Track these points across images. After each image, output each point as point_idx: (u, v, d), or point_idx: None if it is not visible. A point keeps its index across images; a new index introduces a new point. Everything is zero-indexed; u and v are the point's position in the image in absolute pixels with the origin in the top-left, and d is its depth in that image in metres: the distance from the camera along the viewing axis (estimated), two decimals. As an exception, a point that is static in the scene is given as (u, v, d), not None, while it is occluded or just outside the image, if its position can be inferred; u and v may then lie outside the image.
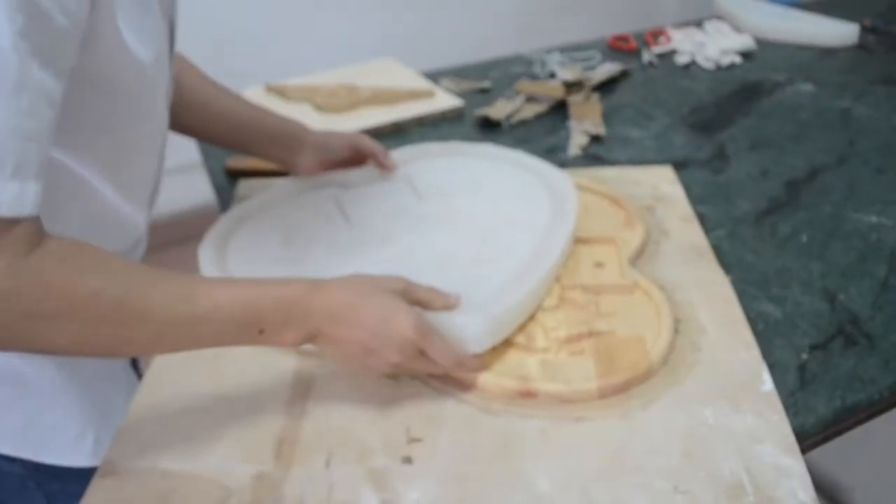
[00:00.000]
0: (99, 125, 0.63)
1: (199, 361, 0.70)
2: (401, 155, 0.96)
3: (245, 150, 0.91)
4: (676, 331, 0.71)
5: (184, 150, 1.15)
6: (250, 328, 0.58)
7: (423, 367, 0.64)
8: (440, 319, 0.65)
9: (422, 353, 0.62)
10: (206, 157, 1.14)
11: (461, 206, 0.86)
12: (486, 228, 0.82)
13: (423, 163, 0.95)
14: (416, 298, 0.65)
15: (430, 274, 0.72)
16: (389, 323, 0.60)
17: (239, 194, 0.99)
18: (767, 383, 0.66)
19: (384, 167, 0.92)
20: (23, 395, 0.69)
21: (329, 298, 0.61)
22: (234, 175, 1.06)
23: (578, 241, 0.83)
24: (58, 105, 0.51)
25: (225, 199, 1.01)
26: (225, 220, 0.86)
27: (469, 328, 0.65)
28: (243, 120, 0.88)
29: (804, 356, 0.70)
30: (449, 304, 0.66)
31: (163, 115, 0.72)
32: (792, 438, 0.60)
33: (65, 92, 0.52)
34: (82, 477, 0.62)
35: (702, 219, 0.89)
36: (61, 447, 0.72)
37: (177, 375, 0.70)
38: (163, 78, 0.69)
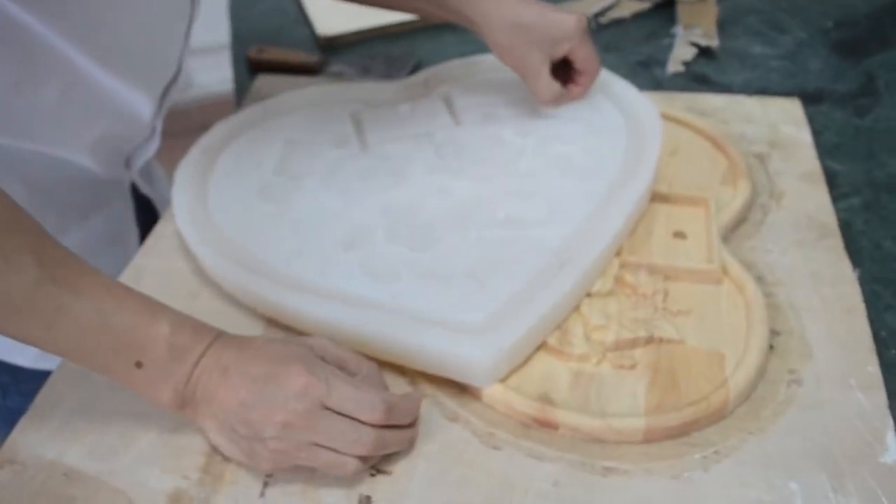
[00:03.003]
0: None
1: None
2: (445, 71, 0.76)
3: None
4: (771, 348, 0.52)
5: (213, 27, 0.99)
6: (126, 354, 0.43)
7: (327, 436, 0.43)
8: (434, 337, 0.48)
9: (326, 409, 0.44)
10: (235, 40, 0.97)
11: (505, 138, 0.66)
12: (529, 173, 0.62)
13: (469, 80, 0.75)
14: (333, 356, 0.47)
15: (435, 238, 0.54)
16: (277, 375, 0.44)
17: (254, 92, 0.82)
18: (892, 451, 0.46)
19: (571, 93, 0.67)
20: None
21: (223, 349, 0.45)
22: (257, 68, 0.88)
23: (657, 197, 0.63)
24: None
25: (241, 94, 0.84)
26: (218, 130, 0.70)
27: (473, 360, 0.48)
28: None
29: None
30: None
31: None
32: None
33: None
34: (35, 377, 0.56)
35: (831, 179, 0.66)
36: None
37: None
38: None
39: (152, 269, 0.61)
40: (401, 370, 0.52)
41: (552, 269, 0.53)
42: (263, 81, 0.83)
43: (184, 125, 1.00)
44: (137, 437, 0.49)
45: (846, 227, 0.62)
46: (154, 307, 0.45)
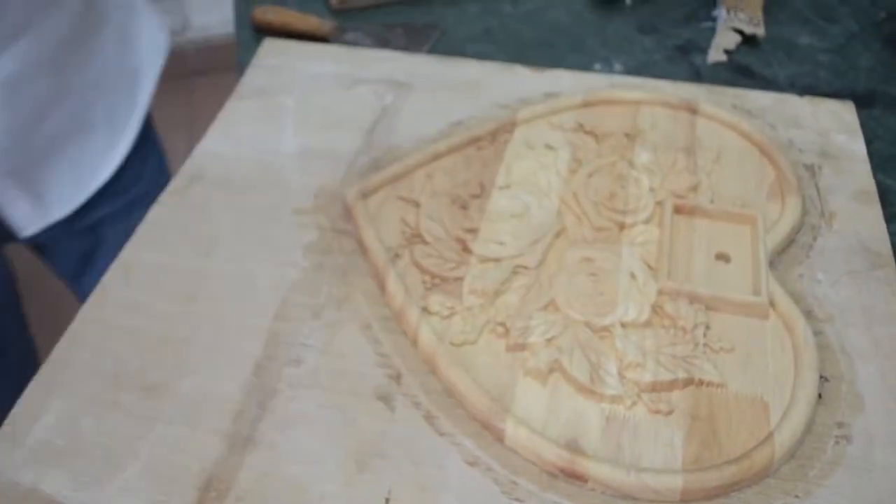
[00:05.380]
0: None
1: (123, 335, 0.51)
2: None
3: None
4: (819, 397, 0.47)
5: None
6: None
7: None
8: None
9: None
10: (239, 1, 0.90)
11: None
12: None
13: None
14: None
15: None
16: None
17: (259, 59, 0.76)
18: (952, 527, 0.42)
19: None
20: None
21: None
22: (262, 30, 0.81)
23: (698, 212, 0.58)
24: None
25: (243, 60, 0.78)
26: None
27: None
28: None
29: None
30: None
31: None
32: None
33: None
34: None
35: (882, 195, 0.61)
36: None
37: (95, 352, 0.51)
38: None
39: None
40: (418, 402, 0.47)
41: None
42: (271, 46, 0.77)
43: (180, 69, 0.93)
44: (125, 462, 0.45)
45: (900, 254, 0.57)
46: None
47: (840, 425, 0.46)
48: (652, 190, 0.59)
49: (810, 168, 0.62)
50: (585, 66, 0.78)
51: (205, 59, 1.37)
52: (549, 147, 0.63)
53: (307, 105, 0.69)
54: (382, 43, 0.78)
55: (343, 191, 0.60)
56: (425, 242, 0.56)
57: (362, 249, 0.56)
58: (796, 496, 0.43)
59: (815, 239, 0.57)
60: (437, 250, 0.55)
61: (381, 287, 0.53)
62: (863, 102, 0.71)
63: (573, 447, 0.44)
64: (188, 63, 1.39)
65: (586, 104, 0.67)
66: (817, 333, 0.51)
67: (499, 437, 0.45)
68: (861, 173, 0.62)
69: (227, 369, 0.49)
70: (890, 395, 0.48)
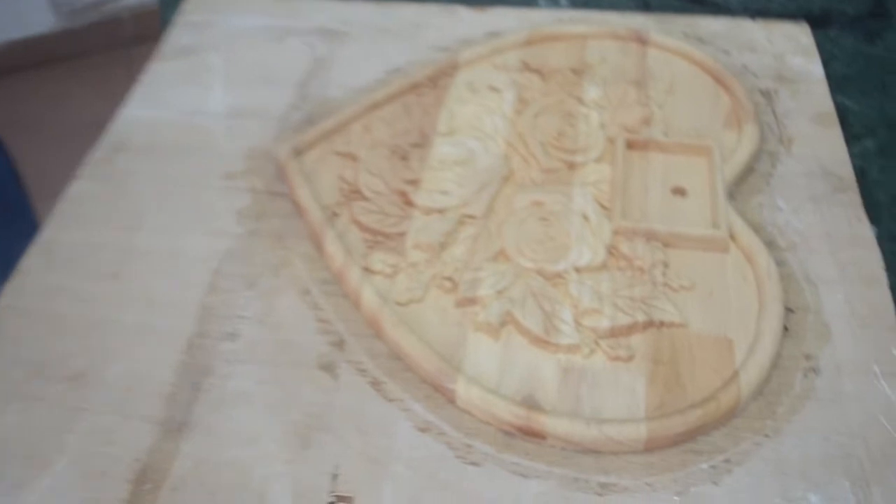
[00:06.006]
0: None
1: (45, 321, 0.47)
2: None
3: None
4: (785, 330, 0.45)
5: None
6: None
7: None
8: None
9: None
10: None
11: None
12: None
13: None
14: None
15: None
16: None
17: (182, 16, 0.71)
18: (926, 455, 0.40)
19: None
20: None
21: None
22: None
23: (652, 145, 0.55)
24: None
25: (168, 17, 0.73)
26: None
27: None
28: None
29: None
30: None
31: None
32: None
33: None
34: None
35: (842, 117, 0.58)
36: None
37: (14, 342, 0.47)
38: None
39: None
40: (364, 369, 0.44)
41: None
42: (196, 1, 0.72)
43: (117, 38, 0.88)
44: (49, 462, 0.41)
45: (861, 176, 0.54)
46: None
47: (808, 357, 0.44)
48: (602, 126, 0.56)
49: (767, 93, 0.59)
50: (530, 2, 0.74)
51: (143, 25, 1.29)
52: (492, 89, 0.60)
53: (236, 62, 0.65)
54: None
55: (276, 150, 0.56)
56: (365, 198, 0.52)
57: (298, 210, 0.52)
58: (766, 435, 0.41)
59: (774, 166, 0.54)
60: (378, 205, 0.52)
61: (320, 249, 0.50)
62: (818, 23, 0.68)
63: (529, 403, 0.42)
64: (125, 31, 1.31)
65: (531, 42, 0.63)
66: (780, 264, 0.48)
67: (450, 398, 0.43)
68: (819, 95, 0.59)
69: (158, 350, 0.46)
70: (857, 322, 0.46)
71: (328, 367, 0.45)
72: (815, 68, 0.61)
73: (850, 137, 0.57)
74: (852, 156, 0.55)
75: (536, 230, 0.49)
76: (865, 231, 0.50)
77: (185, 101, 0.61)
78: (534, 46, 0.63)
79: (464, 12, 0.68)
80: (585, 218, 0.50)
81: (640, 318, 0.45)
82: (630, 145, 0.54)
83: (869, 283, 0.48)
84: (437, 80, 0.61)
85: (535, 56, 0.62)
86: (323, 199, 0.52)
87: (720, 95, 0.59)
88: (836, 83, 0.62)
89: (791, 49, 0.63)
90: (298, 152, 0.55)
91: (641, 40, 0.63)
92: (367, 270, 0.48)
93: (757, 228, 0.50)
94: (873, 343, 0.45)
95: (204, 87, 0.63)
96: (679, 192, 0.52)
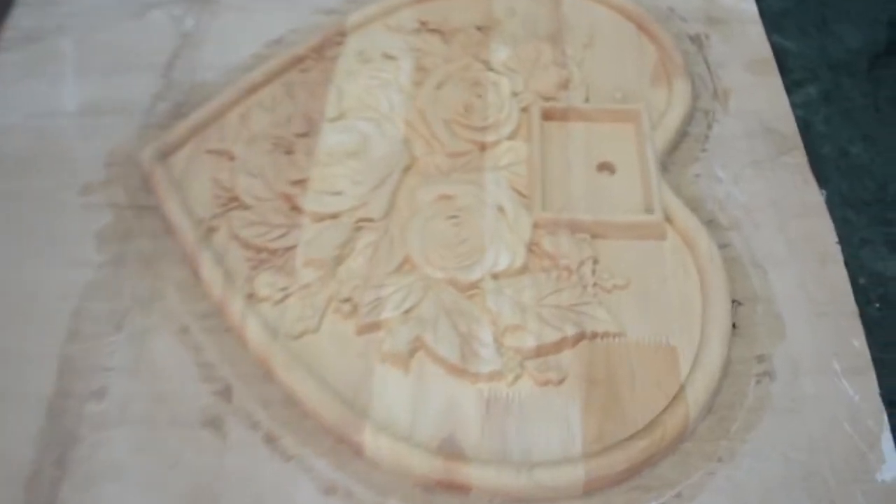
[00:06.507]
0: None
1: None
2: None
3: None
4: (733, 327, 0.40)
5: None
6: None
7: None
8: None
9: None
10: None
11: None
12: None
13: None
14: None
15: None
16: None
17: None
18: (890, 464, 0.36)
19: None
20: None
21: None
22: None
23: (573, 114, 0.48)
24: None
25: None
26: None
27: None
28: None
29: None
30: None
31: None
32: None
33: None
34: None
35: (781, 61, 0.52)
36: None
37: None
38: None
39: None
40: (256, 421, 0.38)
41: None
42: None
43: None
44: None
45: (805, 129, 0.49)
46: None
47: (760, 359, 0.39)
48: (515, 94, 0.49)
49: (696, 39, 0.53)
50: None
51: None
52: (387, 57, 0.52)
53: (89, 45, 0.55)
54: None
55: (139, 153, 0.48)
56: (245, 206, 0.45)
57: (169, 227, 0.45)
58: (719, 459, 0.36)
59: (710, 127, 0.48)
60: (260, 215, 0.44)
61: (196, 274, 0.43)
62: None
63: (449, 450, 0.36)
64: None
65: (428, -5, 0.55)
66: (723, 246, 0.42)
67: (357, 450, 0.36)
68: (754, 37, 0.53)
69: (12, 420, 0.38)
70: (812, 310, 0.41)
71: (214, 424, 0.38)
72: (749, 5, 0.55)
73: (791, 84, 0.51)
74: (794, 106, 0.49)
75: (445, 231, 0.42)
76: (814, 196, 0.45)
77: (30, 99, 0.52)
78: (432, 1, 0.55)
79: (351, -36, 0.59)
80: (501, 210, 0.43)
81: (570, 330, 0.39)
82: (547, 115, 0.47)
83: (822, 261, 0.42)
84: (324, 50, 0.52)
85: (433, 12, 0.54)
86: (197, 212, 0.45)
87: (645, 45, 0.52)
88: (772, 20, 0.55)
89: (720, -17, 0.56)
90: (165, 154, 0.47)
91: (554, -15, 0.55)
92: (252, 297, 0.41)
93: (695, 205, 0.44)
94: (832, 334, 0.40)
95: (53, 81, 0.53)
96: (606, 167, 0.46)
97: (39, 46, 0.55)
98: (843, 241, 0.43)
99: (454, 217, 0.43)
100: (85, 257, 0.44)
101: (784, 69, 0.52)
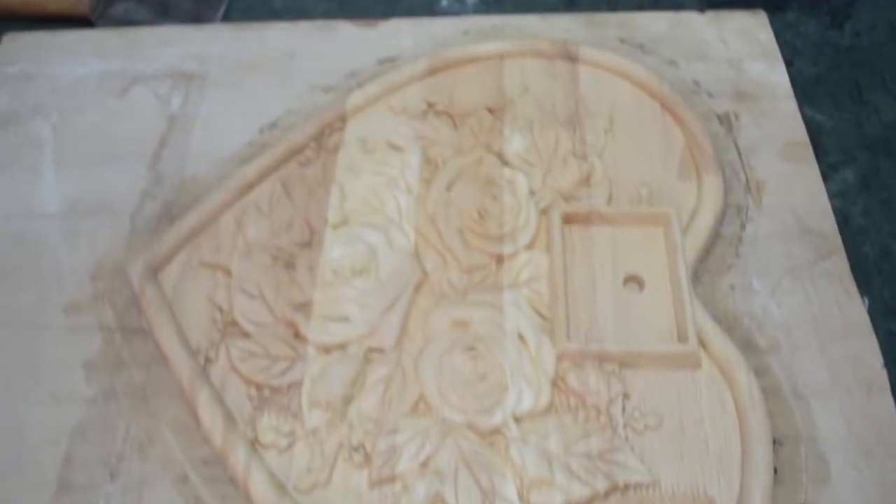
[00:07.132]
0: None
1: None
2: None
3: None
4: (774, 473, 0.37)
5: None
6: None
7: None
8: None
9: None
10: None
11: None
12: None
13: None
14: None
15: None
16: None
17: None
18: None
19: None
20: None
21: None
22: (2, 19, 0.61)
23: (595, 217, 0.44)
24: None
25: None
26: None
27: None
28: None
29: None
30: None
31: None
32: None
33: None
34: None
35: (814, 138, 0.49)
36: None
37: None
38: None
39: None
40: None
41: None
42: (15, 42, 0.57)
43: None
44: None
45: (843, 224, 0.46)
46: None
47: (806, 510, 0.36)
48: (532, 193, 0.45)
49: (726, 119, 0.49)
50: (429, 4, 0.61)
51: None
52: (392, 147, 0.48)
53: (69, 130, 0.51)
54: (161, 12, 0.59)
55: (128, 267, 0.44)
56: (244, 334, 0.41)
57: (162, 356, 0.41)
58: None
59: (743, 227, 0.45)
60: (262, 345, 0.41)
61: (194, 414, 0.39)
62: (772, 4, 0.57)
63: None
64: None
65: (433, 70, 0.51)
66: (762, 374, 0.39)
67: None
68: (787, 116, 0.49)
69: None
70: (858, 448, 0.38)
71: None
72: (780, 77, 0.51)
73: (827, 168, 0.48)
74: (831, 196, 0.46)
75: (463, 366, 0.39)
76: (858, 311, 0.42)
77: (4, 197, 0.48)
78: (438, 76, 0.51)
79: (347, 30, 0.55)
80: (522, 339, 0.40)
81: (601, 485, 0.36)
82: (568, 219, 0.44)
83: (868, 390, 0.39)
84: (323, 138, 0.49)
85: (440, 90, 0.50)
86: (193, 338, 0.41)
87: (670, 128, 0.48)
88: (803, 90, 0.52)
89: (749, 51, 0.52)
90: (155, 269, 0.44)
91: (570, 56, 0.51)
92: (256, 444, 0.38)
93: (731, 323, 0.41)
94: (880, 481, 0.37)
95: (31, 173, 0.49)
96: (634, 280, 0.42)
97: (14, 131, 0.52)
98: (889, 358, 0.40)
99: (472, 348, 0.40)
100: (74, 390, 0.41)
101: (818, 149, 0.48)
